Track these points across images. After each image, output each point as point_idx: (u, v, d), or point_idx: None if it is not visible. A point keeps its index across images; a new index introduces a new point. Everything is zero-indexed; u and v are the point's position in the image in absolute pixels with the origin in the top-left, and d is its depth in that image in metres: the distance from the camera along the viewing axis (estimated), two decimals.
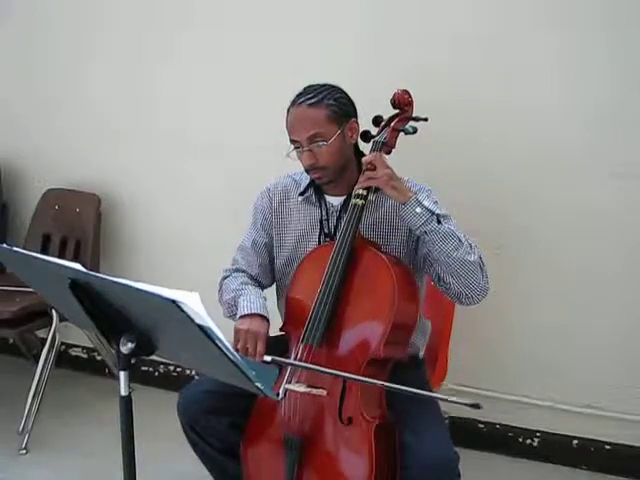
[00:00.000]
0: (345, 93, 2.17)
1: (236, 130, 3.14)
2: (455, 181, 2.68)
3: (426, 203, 1.97)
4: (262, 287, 2.29)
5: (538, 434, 2.91)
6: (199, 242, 3.27)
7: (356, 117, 2.17)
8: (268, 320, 2.09)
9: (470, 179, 2.74)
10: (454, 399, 1.72)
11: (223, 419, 2.08)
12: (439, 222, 1.96)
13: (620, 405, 2.74)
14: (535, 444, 2.92)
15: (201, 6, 3.13)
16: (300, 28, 2.95)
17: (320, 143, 2.08)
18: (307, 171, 2.16)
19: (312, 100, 2.09)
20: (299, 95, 2.14)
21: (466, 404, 1.68)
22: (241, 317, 2.08)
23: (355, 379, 1.89)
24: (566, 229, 2.70)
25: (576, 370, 2.78)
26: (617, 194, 2.61)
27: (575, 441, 2.86)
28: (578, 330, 2.75)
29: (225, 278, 2.30)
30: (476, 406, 1.67)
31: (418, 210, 1.95)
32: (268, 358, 1.95)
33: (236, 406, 2.05)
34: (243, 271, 2.29)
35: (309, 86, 2.15)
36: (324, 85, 2.14)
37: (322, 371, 1.91)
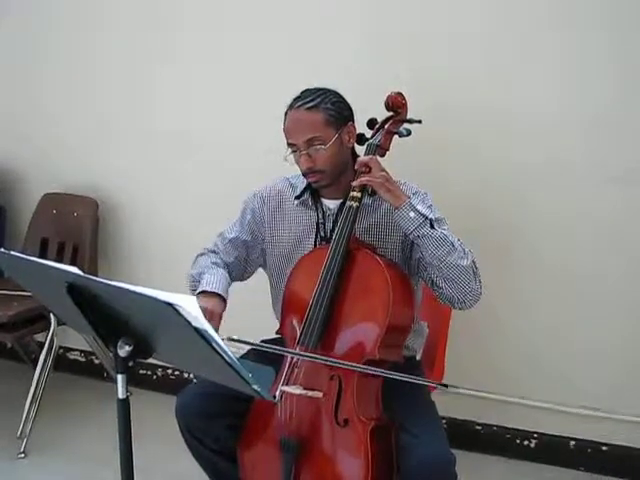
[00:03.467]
0: (342, 97, 2.17)
1: (236, 132, 3.15)
2: (453, 184, 2.70)
3: (420, 207, 1.98)
4: (230, 277, 2.31)
5: (535, 435, 2.92)
6: (198, 245, 3.25)
7: (353, 121, 2.18)
8: (226, 302, 2.10)
9: (468, 182, 2.75)
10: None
11: (220, 422, 2.08)
12: (432, 227, 1.97)
13: (617, 406, 2.74)
14: (532, 445, 2.93)
15: (201, 6, 3.14)
16: (297, 28, 2.96)
17: (318, 147, 2.08)
18: (304, 174, 2.17)
19: (310, 104, 2.10)
20: (296, 99, 2.14)
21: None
22: (200, 293, 2.09)
23: (347, 366, 1.90)
24: (564, 233, 2.71)
25: (573, 372, 2.78)
26: (616, 199, 2.62)
27: (572, 442, 2.87)
28: (575, 332, 2.76)
29: (201, 255, 2.33)
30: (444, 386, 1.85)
31: (411, 214, 1.96)
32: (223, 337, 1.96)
33: (233, 409, 2.05)
34: (218, 256, 2.32)
35: (306, 90, 2.16)
36: (321, 89, 2.15)
37: (299, 354, 1.96)
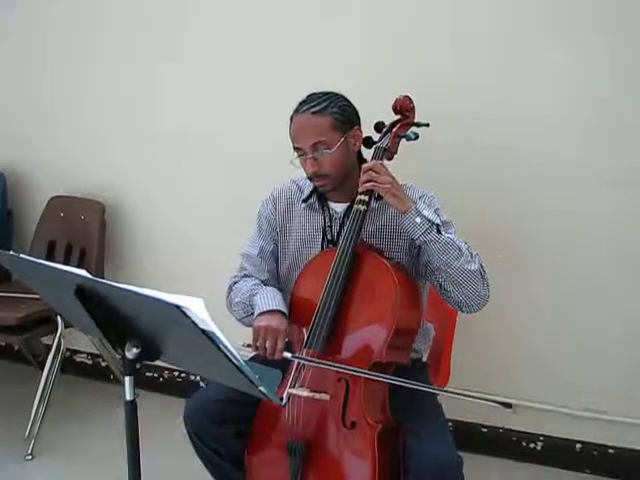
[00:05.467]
0: (348, 101, 2.17)
1: (237, 134, 3.16)
2: (457, 186, 2.69)
3: (426, 213, 1.97)
4: None
5: (541, 438, 2.92)
6: (203, 247, 3.28)
7: (359, 125, 2.18)
8: (287, 317, 2.09)
9: (472, 184, 2.75)
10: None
11: (229, 427, 2.09)
12: (439, 232, 1.97)
13: (624, 409, 2.74)
14: (538, 448, 2.92)
15: (201, 6, 3.14)
16: (301, 30, 2.97)
17: (324, 151, 2.08)
18: (310, 178, 2.17)
19: (316, 108, 2.10)
20: (302, 103, 2.14)
21: (499, 403, 1.81)
22: (260, 314, 2.07)
23: (351, 370, 1.91)
24: (566, 235, 2.71)
25: (579, 374, 2.78)
26: (616, 200, 2.62)
27: (579, 445, 2.86)
28: (581, 334, 2.76)
29: (235, 283, 2.30)
30: (508, 406, 1.79)
31: (418, 220, 1.96)
32: (288, 354, 1.96)
33: (242, 414, 2.06)
34: (252, 277, 2.29)
35: (312, 94, 2.16)
36: (328, 93, 2.15)
37: (337, 367, 1.93)
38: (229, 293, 2.29)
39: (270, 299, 2.11)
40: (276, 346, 1.98)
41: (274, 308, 2.07)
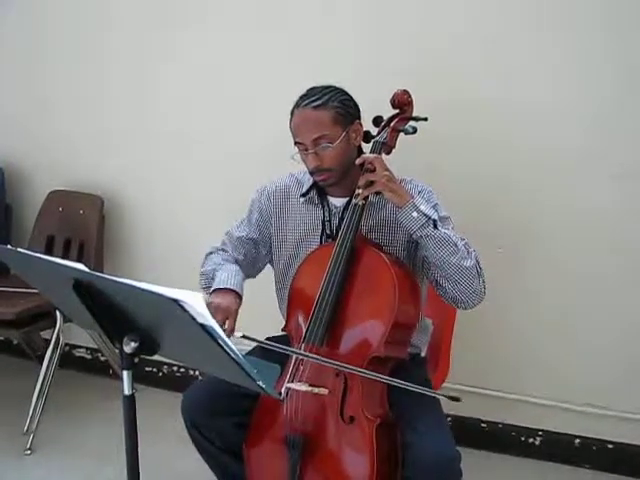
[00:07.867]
0: (349, 95, 2.16)
1: (238, 131, 3.15)
2: (456, 180, 2.69)
3: (423, 207, 1.97)
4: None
5: (540, 433, 2.92)
6: (202, 243, 3.25)
7: (360, 119, 2.17)
8: (241, 298, 2.09)
9: (470, 179, 2.74)
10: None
11: (227, 419, 2.09)
12: (435, 227, 1.96)
13: (622, 403, 2.74)
14: (537, 443, 2.92)
15: (202, 7, 3.14)
16: (300, 28, 2.96)
17: (325, 145, 2.07)
18: (312, 173, 2.16)
19: (317, 102, 2.09)
20: (303, 97, 2.13)
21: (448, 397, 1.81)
22: (214, 291, 2.08)
23: (349, 369, 1.90)
24: (566, 229, 2.71)
25: (578, 369, 2.78)
26: (616, 194, 2.62)
27: (578, 440, 2.86)
28: (579, 329, 2.76)
29: (210, 253, 2.33)
30: (456, 399, 1.79)
31: (414, 214, 1.96)
32: (238, 334, 1.95)
33: (239, 406, 2.06)
34: (228, 253, 2.32)
35: (313, 88, 2.15)
36: (328, 87, 2.14)
37: (307, 356, 1.95)
38: (204, 261, 2.32)
39: (230, 277, 2.11)
40: (224, 325, 1.97)
41: (229, 287, 2.08)
